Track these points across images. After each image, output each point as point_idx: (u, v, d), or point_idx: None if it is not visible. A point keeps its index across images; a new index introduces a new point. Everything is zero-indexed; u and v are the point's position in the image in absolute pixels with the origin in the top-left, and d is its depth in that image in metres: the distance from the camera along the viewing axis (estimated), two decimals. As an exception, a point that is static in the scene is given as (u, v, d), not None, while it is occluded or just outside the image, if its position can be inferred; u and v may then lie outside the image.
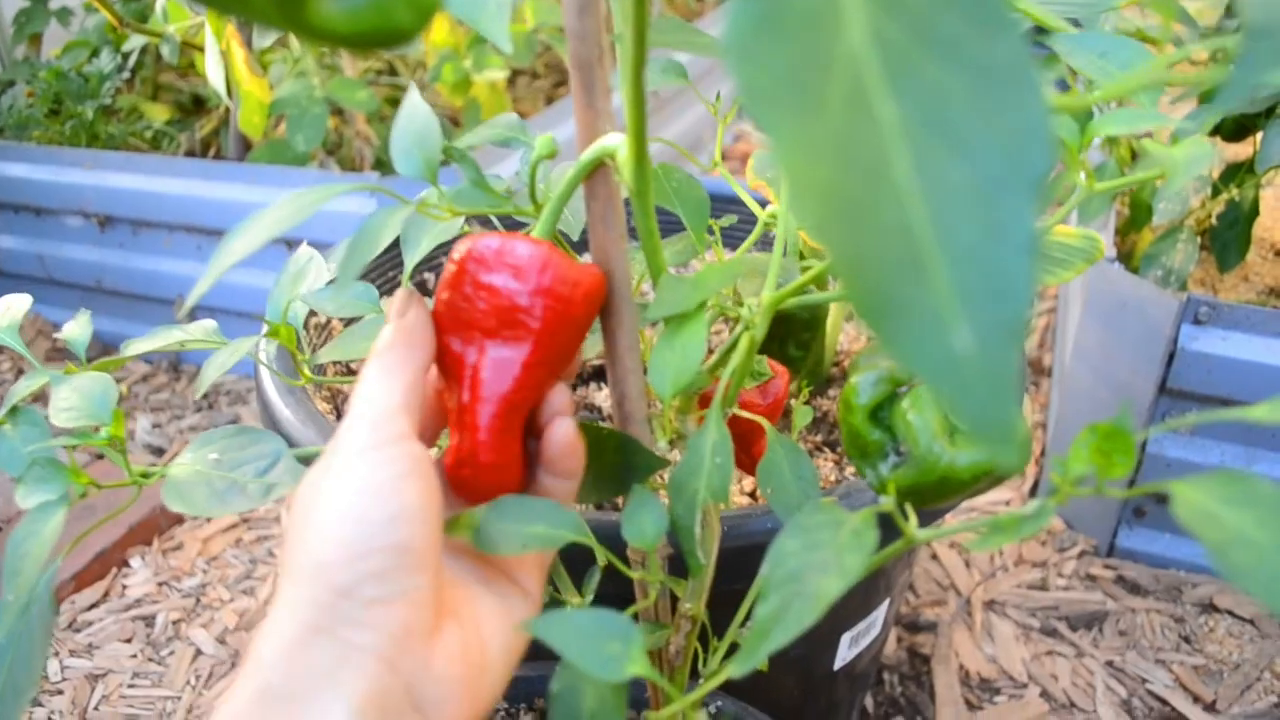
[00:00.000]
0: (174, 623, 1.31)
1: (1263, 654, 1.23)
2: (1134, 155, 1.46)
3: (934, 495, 0.41)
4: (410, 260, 0.55)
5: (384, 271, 1.03)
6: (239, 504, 0.47)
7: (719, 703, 0.72)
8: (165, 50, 1.71)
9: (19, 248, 1.94)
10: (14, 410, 0.60)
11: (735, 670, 0.33)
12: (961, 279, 0.19)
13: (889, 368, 0.43)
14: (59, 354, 1.92)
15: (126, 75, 1.90)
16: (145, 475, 0.55)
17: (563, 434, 0.46)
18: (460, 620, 0.41)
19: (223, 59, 1.53)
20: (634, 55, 0.38)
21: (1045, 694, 1.19)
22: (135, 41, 1.95)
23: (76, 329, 0.65)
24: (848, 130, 0.20)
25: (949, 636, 1.25)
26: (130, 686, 1.23)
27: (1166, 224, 1.32)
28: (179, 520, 1.46)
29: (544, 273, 0.43)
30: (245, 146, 1.75)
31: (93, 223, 1.83)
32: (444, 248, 1.15)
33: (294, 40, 1.64)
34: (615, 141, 0.42)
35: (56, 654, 1.27)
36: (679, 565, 0.51)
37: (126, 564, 1.39)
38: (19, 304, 0.68)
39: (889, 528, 0.38)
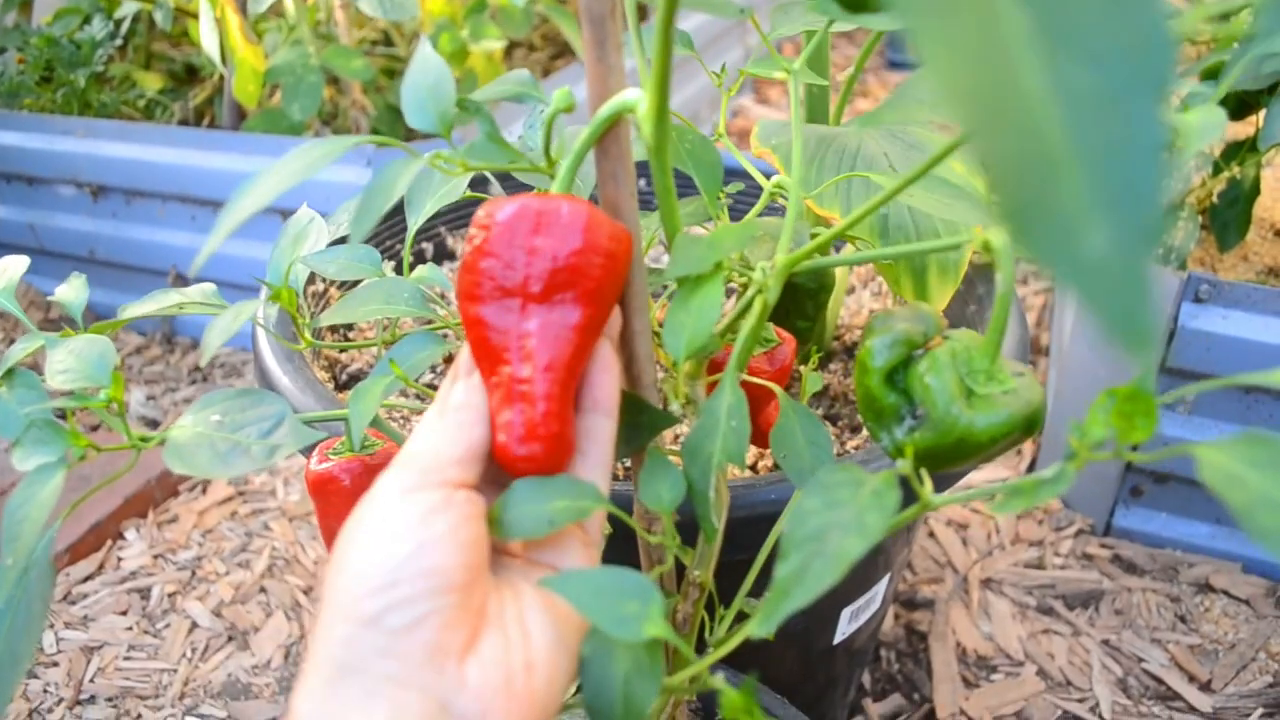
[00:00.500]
0: (169, 595, 1.31)
1: (1258, 634, 1.23)
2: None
3: (951, 458, 0.40)
4: (415, 220, 0.54)
5: (381, 240, 1.02)
6: (243, 465, 0.47)
7: (722, 673, 0.71)
8: (159, 17, 1.69)
9: (10, 217, 1.92)
10: (9, 373, 0.59)
11: (756, 629, 0.32)
12: (1094, 182, 0.20)
13: (905, 330, 0.42)
14: (51, 324, 1.91)
15: (119, 43, 1.87)
16: (145, 439, 0.54)
17: (601, 350, 0.44)
18: (503, 624, 0.41)
19: (217, 26, 1.51)
20: (666, 4, 0.37)
21: (1041, 672, 1.19)
22: (128, 8, 1.92)
23: (71, 291, 0.64)
24: (978, 37, 0.20)
25: (946, 614, 1.26)
26: (126, 659, 1.22)
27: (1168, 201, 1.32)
28: (174, 493, 1.45)
29: (590, 231, 0.41)
30: (240, 116, 1.73)
31: (85, 192, 1.81)
32: (441, 216, 1.14)
33: (290, 6, 1.62)
34: (634, 96, 0.42)
35: (52, 626, 1.26)
36: (685, 533, 0.50)
37: (121, 536, 1.38)
38: (15, 266, 0.66)
39: (904, 493, 0.37)
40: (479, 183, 1.02)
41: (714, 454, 0.42)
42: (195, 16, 1.66)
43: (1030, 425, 0.41)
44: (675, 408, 0.46)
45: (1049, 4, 0.20)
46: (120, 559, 1.36)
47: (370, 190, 0.41)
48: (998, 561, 1.33)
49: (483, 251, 0.43)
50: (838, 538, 0.32)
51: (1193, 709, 1.14)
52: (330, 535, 0.63)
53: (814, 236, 0.47)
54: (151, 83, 2.00)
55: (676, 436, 0.82)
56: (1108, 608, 1.27)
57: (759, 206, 0.62)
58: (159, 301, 0.59)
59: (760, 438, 0.63)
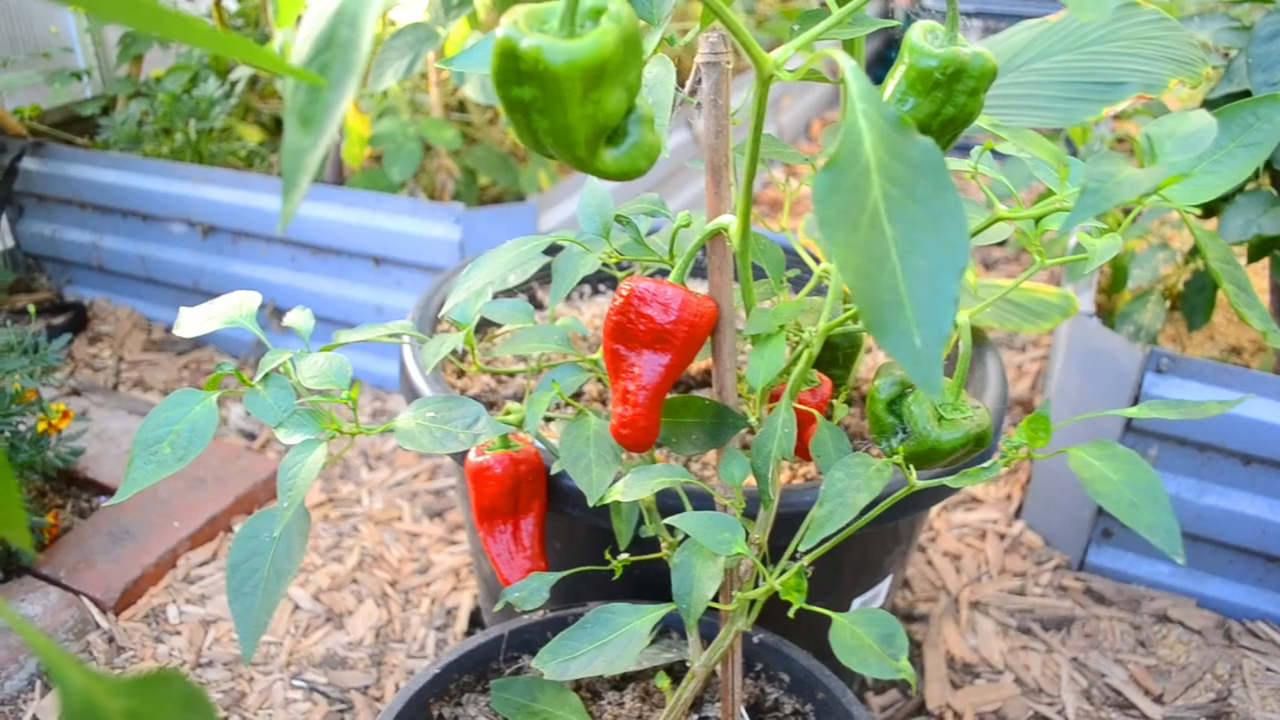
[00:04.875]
0: (271, 580, 1.53)
1: (1206, 659, 1.43)
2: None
3: (928, 460, 0.62)
4: (564, 288, 0.77)
5: (512, 294, 1.25)
6: (453, 446, 0.69)
7: (761, 635, 0.93)
8: (281, 85, 1.95)
9: (123, 248, 2.18)
10: (266, 376, 0.82)
11: (804, 544, 0.54)
12: (919, 314, 0.40)
13: (901, 376, 0.65)
14: (154, 345, 2.15)
15: (234, 101, 2.14)
16: (359, 430, 0.76)
17: None
18: None
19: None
20: (748, 170, 0.60)
21: (1018, 680, 1.40)
22: (241, 71, 2.19)
23: (300, 319, 0.87)
24: (870, 240, 0.41)
25: (939, 627, 1.46)
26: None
27: (1138, 288, 1.55)
28: (274, 495, 1.68)
29: (683, 309, 0.65)
30: (340, 172, 1.98)
31: (196, 230, 2.06)
32: (537, 277, 1.37)
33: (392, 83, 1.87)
34: (728, 220, 0.65)
35: (174, 601, 1.48)
36: (749, 512, 0.72)
37: (231, 529, 1.61)
38: (250, 299, 0.90)
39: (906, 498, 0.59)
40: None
41: (772, 450, 0.64)
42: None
43: (981, 441, 0.64)
44: (751, 420, 0.69)
45: (907, 223, 0.40)
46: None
47: (560, 273, 0.64)
48: (985, 588, 1.54)
49: (619, 310, 0.67)
50: (852, 494, 0.55)
51: (1146, 717, 1.34)
52: (482, 513, 0.84)
53: (846, 310, 0.70)
54: (253, 135, 2.26)
55: (744, 445, 1.05)
56: (1078, 631, 1.48)
57: (810, 285, 0.85)
58: (369, 332, 0.82)
59: (803, 451, 0.86)
